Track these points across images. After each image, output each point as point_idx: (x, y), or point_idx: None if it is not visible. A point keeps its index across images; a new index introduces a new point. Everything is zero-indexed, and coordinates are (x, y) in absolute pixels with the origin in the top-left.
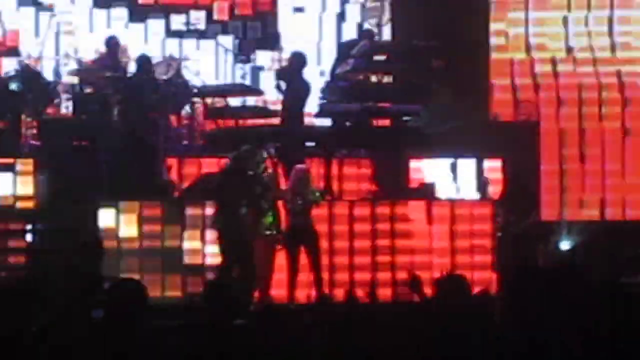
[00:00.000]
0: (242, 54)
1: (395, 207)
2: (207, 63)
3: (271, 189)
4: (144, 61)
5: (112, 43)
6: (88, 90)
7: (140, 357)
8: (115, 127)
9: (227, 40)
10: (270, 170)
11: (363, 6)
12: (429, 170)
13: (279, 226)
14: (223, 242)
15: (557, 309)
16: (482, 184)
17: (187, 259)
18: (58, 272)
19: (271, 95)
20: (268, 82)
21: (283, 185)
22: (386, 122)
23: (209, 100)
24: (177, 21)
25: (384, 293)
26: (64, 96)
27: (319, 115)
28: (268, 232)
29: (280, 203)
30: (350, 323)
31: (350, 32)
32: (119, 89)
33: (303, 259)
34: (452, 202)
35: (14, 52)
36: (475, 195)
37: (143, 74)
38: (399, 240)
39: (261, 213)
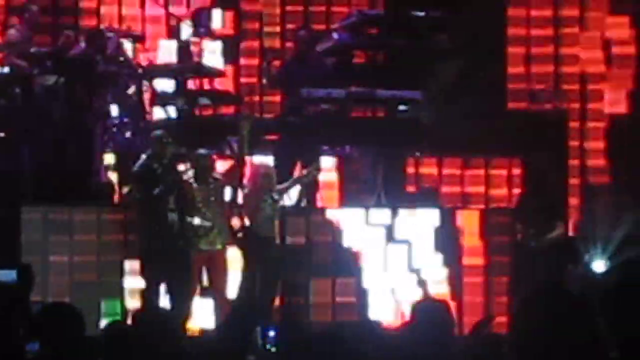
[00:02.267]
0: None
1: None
2: (155, 36)
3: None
4: (96, 35)
5: (32, 11)
6: (6, 69)
7: None
8: (42, 114)
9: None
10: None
11: None
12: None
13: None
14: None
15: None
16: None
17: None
18: None
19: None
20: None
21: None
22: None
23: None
24: None
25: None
26: None
27: (292, 101)
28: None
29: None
30: None
31: None
32: (58, 68)
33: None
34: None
35: None
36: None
37: (95, 50)
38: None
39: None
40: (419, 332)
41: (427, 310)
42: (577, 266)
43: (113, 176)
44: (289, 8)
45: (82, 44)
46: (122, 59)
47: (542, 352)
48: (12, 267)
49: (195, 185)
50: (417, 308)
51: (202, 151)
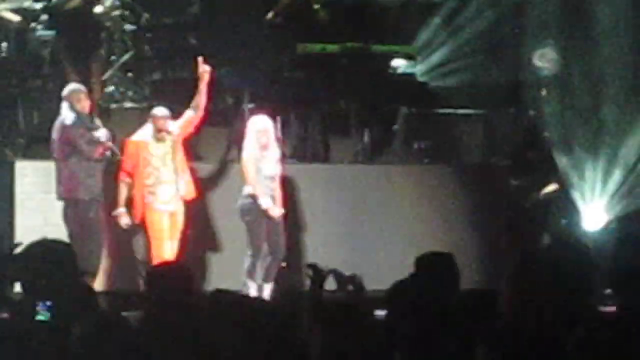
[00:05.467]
0: None
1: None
2: None
3: None
4: None
5: None
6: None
7: None
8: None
9: None
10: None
11: None
12: None
13: None
14: None
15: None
16: None
17: None
18: None
19: None
20: None
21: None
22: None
23: None
24: None
25: None
26: None
27: (287, 56)
28: None
29: None
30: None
31: None
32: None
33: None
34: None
35: None
36: None
37: None
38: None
39: None
40: (423, 284)
41: (432, 263)
42: (570, 221)
43: None
44: None
45: None
46: None
47: (543, 306)
48: None
49: (153, 143)
50: (421, 260)
51: (157, 109)
